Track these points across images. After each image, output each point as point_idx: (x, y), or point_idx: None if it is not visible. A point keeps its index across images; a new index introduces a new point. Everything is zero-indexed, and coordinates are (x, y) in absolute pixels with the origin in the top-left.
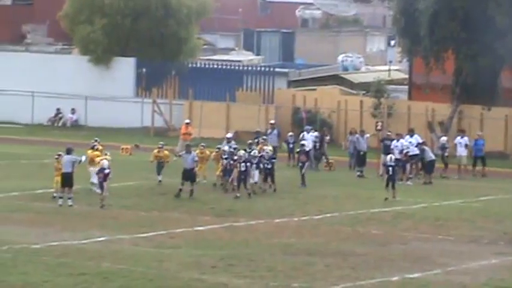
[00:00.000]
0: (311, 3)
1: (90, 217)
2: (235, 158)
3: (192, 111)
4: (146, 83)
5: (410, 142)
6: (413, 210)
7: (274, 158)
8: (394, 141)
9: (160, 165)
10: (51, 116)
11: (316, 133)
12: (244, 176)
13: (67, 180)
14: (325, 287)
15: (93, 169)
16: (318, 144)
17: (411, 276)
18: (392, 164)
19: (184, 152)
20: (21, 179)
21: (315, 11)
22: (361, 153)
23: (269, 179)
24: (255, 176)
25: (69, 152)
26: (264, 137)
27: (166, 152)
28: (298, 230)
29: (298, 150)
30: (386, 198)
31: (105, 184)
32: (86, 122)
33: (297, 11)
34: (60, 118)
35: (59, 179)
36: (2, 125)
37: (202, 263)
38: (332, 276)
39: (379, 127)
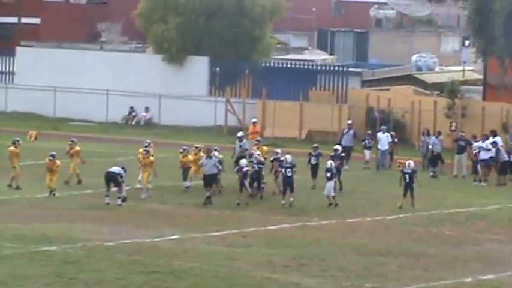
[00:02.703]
0: (385, 3)
1: (163, 215)
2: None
3: (265, 110)
4: (220, 82)
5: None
6: (487, 212)
7: (263, 164)
8: (480, 142)
9: (186, 171)
10: (125, 114)
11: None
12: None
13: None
14: (398, 287)
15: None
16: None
17: (484, 277)
18: (409, 171)
19: (205, 157)
20: (95, 177)
21: (389, 11)
22: (435, 153)
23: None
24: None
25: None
26: (259, 139)
27: (152, 158)
28: (370, 230)
29: (331, 154)
30: (400, 207)
31: (246, 182)
32: (160, 121)
33: (370, 10)
34: (134, 116)
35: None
36: (77, 122)
37: (274, 262)
38: (404, 276)
39: (453, 127)
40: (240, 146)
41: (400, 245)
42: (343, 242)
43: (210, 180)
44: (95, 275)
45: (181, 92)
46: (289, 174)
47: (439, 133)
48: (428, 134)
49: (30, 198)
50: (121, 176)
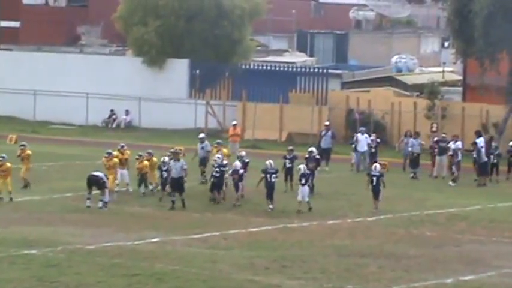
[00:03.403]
0: (364, 5)
1: (144, 218)
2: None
3: (246, 112)
4: (200, 85)
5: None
6: (468, 212)
7: (225, 166)
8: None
9: (143, 176)
10: (105, 117)
11: (372, 136)
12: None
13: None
14: None
15: (124, 171)
16: (373, 148)
17: (465, 278)
18: (377, 173)
19: (172, 160)
20: (76, 180)
21: (368, 13)
22: (415, 154)
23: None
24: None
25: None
26: (219, 141)
27: (115, 160)
28: (351, 231)
29: (306, 156)
30: (375, 208)
31: (240, 184)
32: (140, 124)
33: (350, 12)
34: (114, 119)
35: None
36: (57, 126)
37: (255, 264)
38: (385, 278)
39: (434, 129)
40: (202, 148)
41: (381, 246)
42: (324, 243)
43: (178, 184)
44: (76, 278)
45: (161, 95)
46: (273, 180)
47: (417, 134)
48: (411, 136)
49: (11, 202)
50: (104, 181)
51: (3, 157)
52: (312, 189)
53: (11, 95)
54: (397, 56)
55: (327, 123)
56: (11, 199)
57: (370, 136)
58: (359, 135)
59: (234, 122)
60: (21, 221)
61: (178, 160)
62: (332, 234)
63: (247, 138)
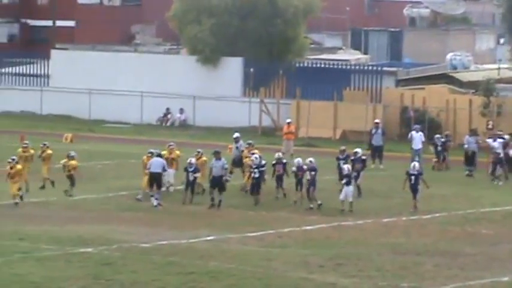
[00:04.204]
0: (419, 2)
1: (198, 216)
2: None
3: (300, 110)
4: (254, 83)
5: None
6: None
7: (263, 166)
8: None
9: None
10: (160, 115)
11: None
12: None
13: (155, 179)
14: (434, 287)
15: (170, 170)
16: (440, 147)
17: None
18: (415, 172)
19: (214, 159)
20: (131, 179)
21: (423, 10)
22: (470, 152)
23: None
24: None
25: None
26: (250, 141)
27: (31, 151)
28: (406, 229)
29: (351, 157)
30: (415, 207)
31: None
32: (194, 122)
33: (404, 9)
34: (169, 118)
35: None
36: (112, 124)
37: (310, 263)
38: (441, 276)
39: (490, 126)
40: (237, 148)
41: (436, 244)
42: (379, 241)
43: (219, 182)
44: (132, 276)
45: (215, 93)
46: (256, 175)
47: (473, 131)
48: (476, 134)
49: (67, 200)
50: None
51: (13, 159)
52: (359, 190)
53: (66, 94)
54: (452, 53)
55: (377, 120)
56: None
57: (423, 133)
58: (413, 133)
59: (289, 120)
60: (77, 219)
61: (220, 159)
62: (387, 232)
63: (301, 136)
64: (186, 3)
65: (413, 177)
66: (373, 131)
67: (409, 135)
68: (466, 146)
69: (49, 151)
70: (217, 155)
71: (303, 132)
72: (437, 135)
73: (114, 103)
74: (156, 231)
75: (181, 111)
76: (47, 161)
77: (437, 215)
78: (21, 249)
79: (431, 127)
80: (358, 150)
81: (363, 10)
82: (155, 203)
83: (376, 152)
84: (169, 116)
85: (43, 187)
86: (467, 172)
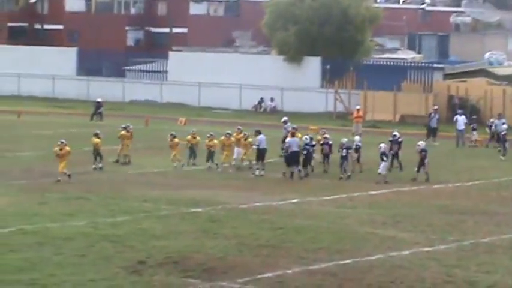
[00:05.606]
0: (462, 12)
1: (286, 183)
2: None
3: (366, 99)
4: (329, 77)
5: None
6: None
7: (313, 146)
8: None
9: (210, 153)
10: (255, 103)
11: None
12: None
13: (262, 154)
14: (475, 240)
15: (239, 149)
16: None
17: None
18: (426, 148)
19: (289, 136)
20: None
21: (466, 18)
22: (499, 133)
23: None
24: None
25: (260, 132)
26: (294, 126)
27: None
28: (452, 194)
29: (390, 139)
30: (414, 179)
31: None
32: (282, 108)
33: (451, 17)
34: (262, 105)
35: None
36: (217, 111)
37: (374, 220)
38: (480, 231)
39: None
40: (285, 129)
41: (477, 205)
42: (430, 203)
43: (295, 157)
44: (233, 231)
45: (298, 85)
46: (304, 152)
47: (500, 115)
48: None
49: (181, 171)
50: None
51: (62, 142)
52: (400, 166)
53: (181, 87)
54: (489, 52)
55: (436, 107)
56: (69, 176)
57: (467, 117)
58: (458, 116)
59: (358, 107)
60: (190, 186)
61: (294, 136)
62: (436, 196)
63: (367, 120)
64: (276, 14)
65: (423, 153)
66: (432, 115)
67: (455, 118)
68: (494, 128)
69: (67, 148)
70: (293, 133)
71: (369, 116)
72: (492, 120)
73: (219, 93)
74: (252, 195)
75: (272, 99)
76: (65, 157)
77: (477, 182)
78: (145, 209)
79: (472, 112)
80: (396, 133)
81: (417, 18)
82: (261, 173)
83: (433, 132)
84: (262, 104)
85: (58, 181)
86: (499, 149)
